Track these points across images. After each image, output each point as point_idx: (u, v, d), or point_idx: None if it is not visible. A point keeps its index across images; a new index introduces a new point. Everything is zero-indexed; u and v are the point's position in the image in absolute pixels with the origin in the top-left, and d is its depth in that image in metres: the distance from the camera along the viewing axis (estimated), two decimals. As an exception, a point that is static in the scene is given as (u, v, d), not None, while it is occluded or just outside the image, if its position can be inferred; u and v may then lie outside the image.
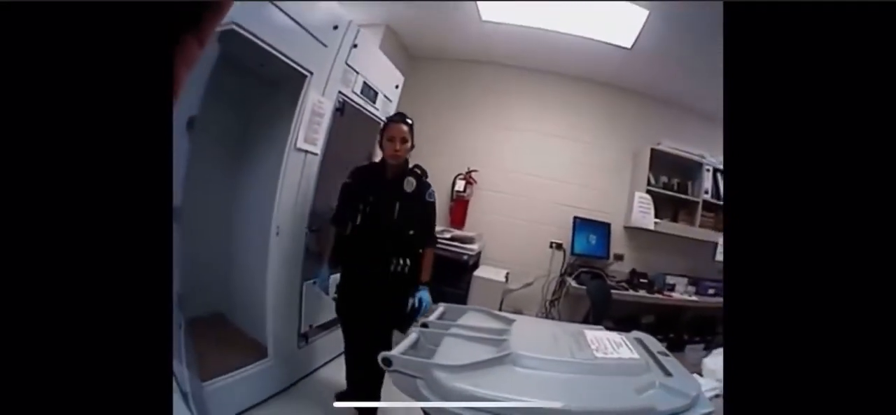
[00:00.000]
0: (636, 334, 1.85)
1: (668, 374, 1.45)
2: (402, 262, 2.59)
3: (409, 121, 2.62)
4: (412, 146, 2.64)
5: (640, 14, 3.54)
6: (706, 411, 1.31)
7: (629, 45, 4.10)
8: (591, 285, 4.42)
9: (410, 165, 2.66)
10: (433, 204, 2.69)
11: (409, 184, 2.59)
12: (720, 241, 4.96)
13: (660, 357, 1.57)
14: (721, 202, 5.10)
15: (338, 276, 2.74)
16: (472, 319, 1.80)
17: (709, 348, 4.39)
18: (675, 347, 4.78)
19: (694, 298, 5.03)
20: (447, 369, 1.27)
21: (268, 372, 2.77)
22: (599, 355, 1.48)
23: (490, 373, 1.29)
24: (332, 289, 2.77)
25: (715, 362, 2.18)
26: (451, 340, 1.54)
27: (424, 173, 2.68)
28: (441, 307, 1.90)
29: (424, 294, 2.63)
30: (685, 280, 5.11)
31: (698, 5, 3.20)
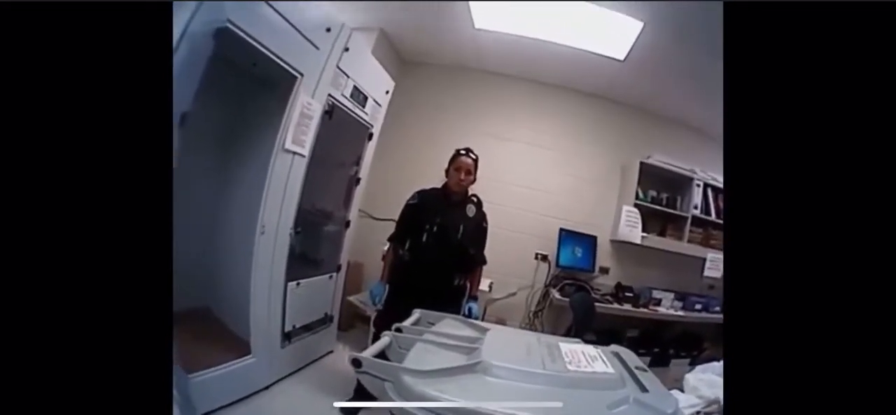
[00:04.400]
0: (615, 347, 1.85)
1: (644, 390, 1.44)
2: (462, 277, 3.07)
3: (474, 155, 3.03)
4: (475, 179, 3.05)
5: (634, 26, 3.63)
6: None
7: (622, 58, 4.20)
8: (574, 298, 4.48)
9: (470, 194, 3.09)
10: (486, 229, 3.16)
11: (471, 210, 3.05)
12: (708, 256, 5.08)
13: (637, 372, 1.58)
14: (710, 218, 5.21)
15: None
16: (446, 326, 1.85)
17: (694, 364, 4.37)
18: (660, 362, 4.88)
19: (680, 313, 5.12)
20: (415, 374, 1.30)
21: (251, 368, 2.88)
22: (572, 367, 1.47)
23: (458, 380, 1.31)
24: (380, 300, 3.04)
25: (697, 378, 2.15)
26: (423, 346, 1.58)
27: (481, 202, 3.12)
28: (417, 314, 2.00)
29: (473, 305, 3.06)
30: (672, 295, 5.19)
31: (693, 19, 3.31)
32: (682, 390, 2.05)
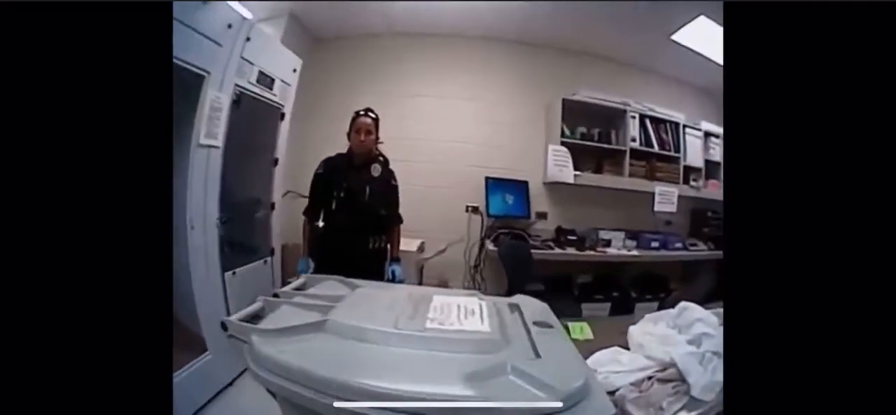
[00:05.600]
0: (519, 298, 1.86)
1: (537, 354, 1.37)
2: (378, 239, 3.56)
3: (373, 115, 3.53)
4: (377, 138, 3.55)
5: None
6: (600, 411, 1.19)
7: None
8: (502, 248, 5.09)
9: (374, 154, 3.56)
10: (397, 187, 3.68)
11: (376, 170, 3.54)
12: (657, 190, 5.80)
13: (534, 331, 1.52)
14: (652, 149, 5.94)
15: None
16: (324, 288, 1.99)
17: (663, 306, 4.55)
18: (622, 307, 5.48)
19: (635, 252, 5.81)
20: (262, 334, 1.42)
21: (212, 365, 3.44)
22: (433, 325, 1.46)
23: (300, 340, 1.39)
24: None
25: (644, 332, 2.14)
26: (288, 307, 1.70)
27: (387, 160, 3.63)
28: (302, 278, 2.18)
29: (396, 267, 3.59)
30: (622, 235, 5.94)
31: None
32: (626, 347, 2.08)
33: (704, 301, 2.39)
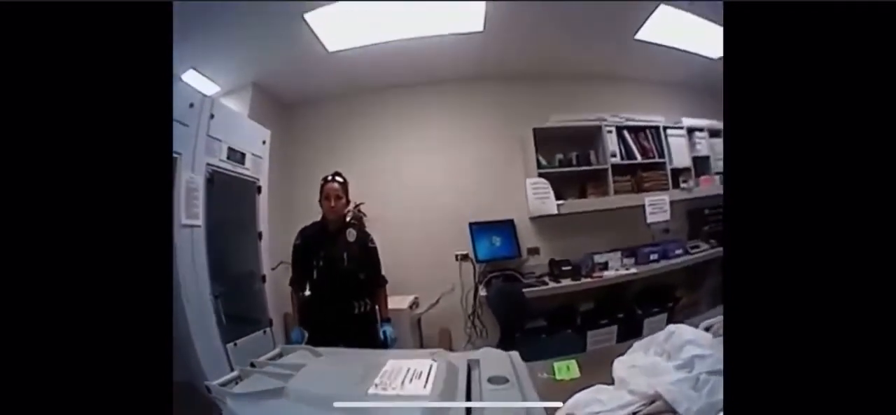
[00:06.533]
0: (483, 351, 1.83)
1: None
2: (363, 303, 3.61)
3: (340, 179, 3.62)
4: (347, 201, 3.67)
5: None
6: None
7: (481, 27, 4.81)
8: (491, 293, 5.08)
9: (348, 219, 3.64)
10: (375, 249, 3.76)
11: (351, 235, 3.64)
12: (647, 200, 5.66)
13: (486, 388, 1.51)
14: (635, 160, 5.84)
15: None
16: (293, 357, 2.05)
17: (672, 318, 4.62)
18: (631, 328, 5.28)
19: (634, 270, 5.64)
20: (234, 397, 1.58)
21: None
22: (376, 391, 1.49)
23: (264, 404, 1.54)
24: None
25: (628, 364, 2.02)
26: (258, 375, 1.80)
27: (362, 224, 3.73)
28: (278, 349, 2.30)
29: (387, 328, 3.65)
30: (619, 254, 5.77)
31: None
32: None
33: (714, 303, 2.31)
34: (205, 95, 3.76)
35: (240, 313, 4.10)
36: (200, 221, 3.65)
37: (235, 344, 3.87)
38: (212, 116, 3.78)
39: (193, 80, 4.28)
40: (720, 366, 1.62)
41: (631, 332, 5.00)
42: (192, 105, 3.59)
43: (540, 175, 5.65)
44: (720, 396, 1.55)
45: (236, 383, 1.77)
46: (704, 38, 5.35)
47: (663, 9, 4.80)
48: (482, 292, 5.41)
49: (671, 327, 2.07)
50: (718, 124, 6.24)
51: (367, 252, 3.70)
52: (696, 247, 6.05)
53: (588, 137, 5.99)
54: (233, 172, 4.14)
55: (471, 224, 5.68)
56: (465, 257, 5.74)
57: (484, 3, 4.44)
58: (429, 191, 5.99)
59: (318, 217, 3.72)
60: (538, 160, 5.75)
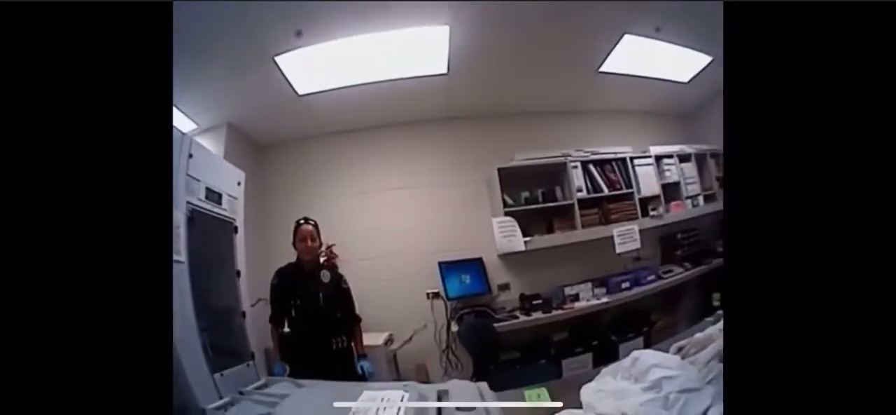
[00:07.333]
0: (452, 383, 2.01)
1: None
2: (340, 340, 3.81)
3: (312, 221, 3.86)
4: (320, 243, 3.90)
5: (441, 33, 4.32)
6: None
7: (446, 70, 4.97)
8: (462, 329, 5.20)
9: (321, 260, 3.80)
10: (348, 290, 3.98)
11: (325, 276, 3.87)
12: (615, 232, 5.73)
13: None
14: (602, 193, 5.94)
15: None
16: (278, 388, 2.38)
17: (649, 343, 4.63)
18: (606, 353, 5.26)
19: (606, 299, 5.73)
20: None
21: None
22: None
23: None
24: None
25: (596, 390, 2.05)
26: (247, 403, 2.11)
27: (335, 265, 3.91)
28: (264, 379, 2.58)
29: (365, 363, 3.82)
30: (589, 285, 5.89)
31: (497, 7, 3.96)
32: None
33: (692, 322, 2.44)
34: (183, 133, 3.84)
35: (224, 345, 4.04)
36: (184, 258, 3.71)
37: (222, 374, 3.86)
38: (190, 156, 3.85)
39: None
40: (690, 384, 1.68)
41: (607, 357, 4.72)
42: (172, 142, 3.67)
43: (506, 214, 5.76)
44: (693, 411, 1.60)
45: (226, 411, 2.08)
46: (672, 64, 5.49)
47: (628, 39, 4.89)
48: (454, 328, 5.52)
49: (635, 353, 2.14)
50: (688, 149, 6.39)
51: (340, 293, 3.93)
52: (669, 271, 6.14)
53: (554, 174, 6.10)
54: (211, 211, 4.20)
55: (440, 263, 5.80)
56: (436, 295, 5.85)
57: (445, 45, 4.55)
58: (398, 232, 6.11)
59: (293, 258, 3.93)
60: (504, 199, 5.85)
